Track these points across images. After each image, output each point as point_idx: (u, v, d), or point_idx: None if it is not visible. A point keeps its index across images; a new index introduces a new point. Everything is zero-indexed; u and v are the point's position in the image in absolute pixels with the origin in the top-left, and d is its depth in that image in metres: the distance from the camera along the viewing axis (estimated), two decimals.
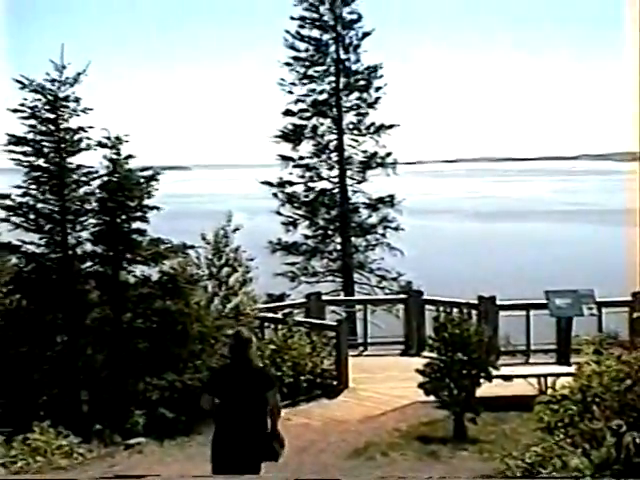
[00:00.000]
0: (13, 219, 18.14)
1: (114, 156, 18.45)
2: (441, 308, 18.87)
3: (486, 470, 7.59)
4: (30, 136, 18.04)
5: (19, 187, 18.13)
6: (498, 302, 20.28)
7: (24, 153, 18.05)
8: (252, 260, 21.00)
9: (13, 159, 18.10)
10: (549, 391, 7.09)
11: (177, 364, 17.48)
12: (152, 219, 18.71)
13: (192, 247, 19.42)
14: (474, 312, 19.75)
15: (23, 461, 13.56)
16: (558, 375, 14.44)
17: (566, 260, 52.08)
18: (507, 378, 15.69)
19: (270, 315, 20.06)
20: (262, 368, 11.63)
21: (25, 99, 17.86)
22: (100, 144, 18.41)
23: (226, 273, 20.37)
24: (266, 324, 19.57)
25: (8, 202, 18.09)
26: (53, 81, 17.84)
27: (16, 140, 18.02)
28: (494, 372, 14.61)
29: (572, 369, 9.38)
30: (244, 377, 9.73)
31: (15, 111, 17.92)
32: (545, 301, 19.50)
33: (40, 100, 17.86)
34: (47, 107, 17.90)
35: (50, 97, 17.83)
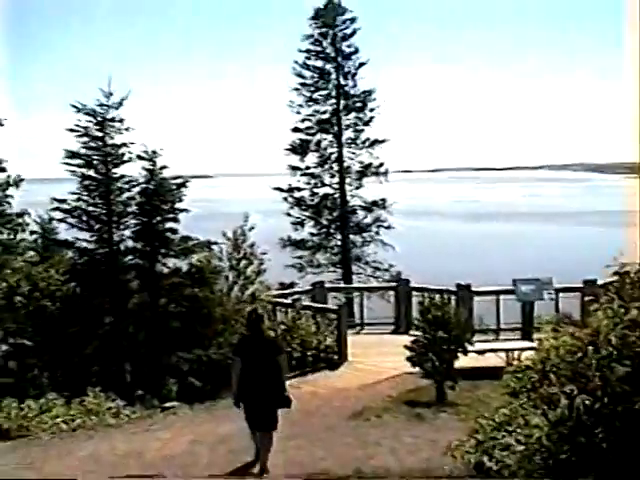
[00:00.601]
0: (69, 220, 18.34)
1: (151, 167, 18.59)
2: (425, 294, 18.97)
3: (463, 428, 7.69)
4: (83, 151, 18.21)
5: (74, 193, 18.29)
6: (473, 289, 20.28)
7: (77, 165, 18.23)
8: (265, 254, 21.02)
9: (69, 170, 18.27)
10: (515, 362, 7.16)
11: (203, 341, 17.57)
12: (182, 220, 18.83)
13: (215, 243, 19.52)
14: (453, 297, 19.74)
15: (80, 419, 13.70)
16: (522, 349, 14.39)
17: (531, 253, 52.07)
18: (480, 352, 15.71)
19: (281, 300, 20.06)
20: (273, 338, 11.72)
21: (79, 120, 18.05)
22: (139, 157, 18.56)
23: (244, 265, 20.40)
24: (278, 308, 19.57)
25: (65, 206, 18.27)
26: (101, 105, 18.01)
27: (71, 155, 18.20)
28: (469, 347, 14.60)
29: (534, 344, 9.42)
30: (259, 345, 10.30)
31: (71, 131, 18.10)
32: (512, 287, 19.53)
33: (91, 121, 18.02)
34: (97, 127, 18.08)
35: (99, 118, 18.00)
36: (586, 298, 15.74)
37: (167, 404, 15.43)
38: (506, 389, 7.04)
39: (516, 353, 15.36)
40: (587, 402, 5.59)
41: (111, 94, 18.10)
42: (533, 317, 19.20)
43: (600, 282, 16.51)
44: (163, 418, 14.35)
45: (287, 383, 10.71)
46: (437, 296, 17.90)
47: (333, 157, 34.56)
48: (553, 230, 76.91)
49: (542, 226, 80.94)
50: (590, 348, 5.85)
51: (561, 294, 19.73)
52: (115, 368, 17.05)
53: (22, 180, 16.14)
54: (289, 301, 19.67)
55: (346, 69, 34.37)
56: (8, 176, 16.01)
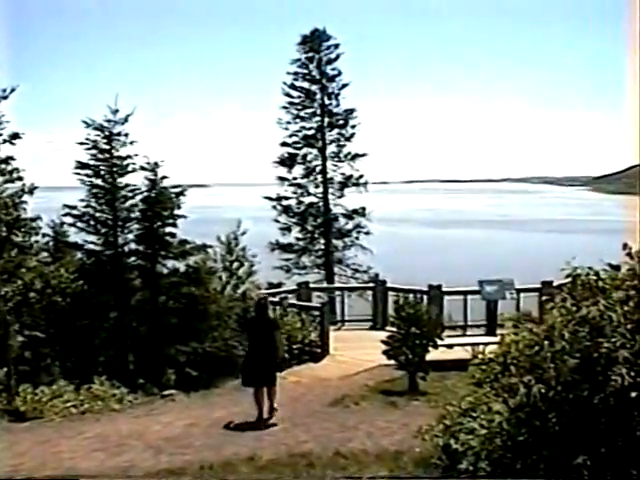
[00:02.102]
0: (78, 224, 18.37)
1: (152, 177, 18.62)
2: (400, 294, 19.04)
3: (432, 414, 7.75)
4: (91, 162, 18.21)
5: (83, 200, 18.32)
6: (443, 289, 20.39)
7: (87, 175, 18.25)
8: (255, 256, 21.11)
9: (79, 179, 18.28)
10: (480, 355, 7.24)
11: (199, 335, 17.60)
12: (181, 225, 18.85)
13: (210, 246, 19.58)
14: (425, 297, 19.86)
15: (88, 404, 13.72)
16: (487, 344, 14.45)
17: (494, 256, 52.35)
18: (449, 346, 15.78)
19: (270, 299, 20.09)
20: (273, 319, 13.34)
21: (89, 134, 18.08)
22: (142, 168, 18.59)
23: (236, 266, 20.50)
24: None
25: (75, 212, 18.29)
26: (109, 121, 18.04)
27: (81, 165, 18.22)
28: (439, 342, 14.69)
29: (497, 339, 9.49)
30: (262, 323, 12.21)
31: (81, 144, 18.12)
32: (478, 288, 19.64)
33: (99, 135, 18.04)
34: (104, 140, 18.09)
35: (107, 133, 18.02)
36: (543, 297, 15.87)
37: (166, 392, 15.44)
38: (471, 379, 7.08)
39: (481, 347, 15.43)
40: (542, 390, 5.67)
41: (117, 110, 18.14)
42: (496, 315, 19.34)
43: (556, 283, 16.64)
44: (162, 404, 14.37)
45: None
46: (411, 295, 18.02)
47: (318, 169, 34.67)
48: (510, 236, 77.47)
49: (502, 232, 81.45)
50: (546, 342, 5.93)
51: (522, 294, 19.87)
52: (119, 358, 17.06)
53: (36, 188, 16.08)
54: (277, 299, 19.71)
55: (330, 90, 34.49)
56: (23, 184, 15.95)
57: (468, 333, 19.50)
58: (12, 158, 15.91)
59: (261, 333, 12.06)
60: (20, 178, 15.95)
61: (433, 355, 14.62)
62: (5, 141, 15.73)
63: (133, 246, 18.65)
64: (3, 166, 15.83)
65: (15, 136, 15.74)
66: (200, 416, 12.39)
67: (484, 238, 75.21)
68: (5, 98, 15.61)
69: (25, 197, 15.98)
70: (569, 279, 6.21)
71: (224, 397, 14.67)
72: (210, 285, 18.65)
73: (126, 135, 18.27)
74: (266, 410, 11.91)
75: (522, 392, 5.85)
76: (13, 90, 15.63)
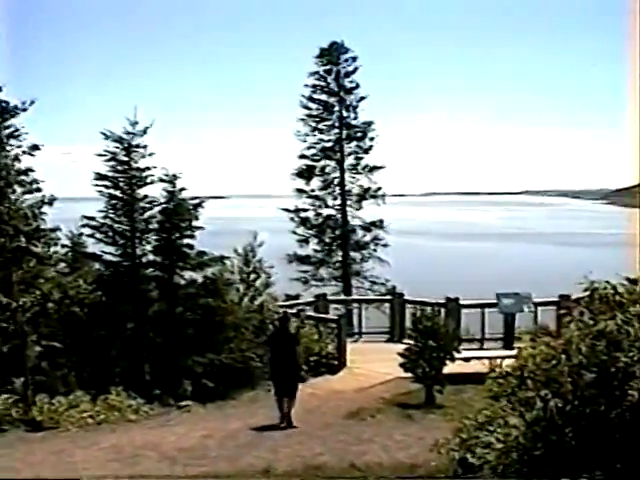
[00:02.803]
0: (97, 235, 18.41)
1: (171, 189, 18.65)
2: (417, 306, 18.99)
3: (449, 428, 7.72)
4: (110, 174, 18.30)
5: (101, 211, 18.36)
6: (461, 302, 20.30)
7: (105, 186, 18.31)
8: (272, 268, 21.06)
9: (98, 191, 18.37)
10: (497, 369, 7.20)
11: (216, 346, 17.56)
12: (198, 236, 18.88)
13: (227, 258, 19.54)
14: (442, 309, 19.77)
15: (104, 414, 13.76)
16: (504, 357, 14.37)
17: (509, 269, 52.11)
18: (466, 359, 15.69)
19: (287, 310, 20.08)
20: (294, 333, 13.99)
21: (108, 146, 18.19)
22: (161, 179, 18.63)
23: (253, 278, 20.43)
24: None
25: (93, 223, 18.36)
26: (128, 133, 18.13)
27: (100, 177, 18.29)
28: (456, 355, 14.66)
29: (514, 352, 9.43)
30: (284, 338, 13.20)
31: (100, 155, 18.23)
32: (495, 301, 19.54)
33: (118, 147, 18.14)
34: (123, 152, 18.18)
35: (125, 145, 18.12)
36: (561, 311, 15.76)
37: (182, 403, 15.50)
38: (488, 393, 7.07)
39: (498, 360, 15.30)
40: (559, 405, 5.64)
41: (136, 123, 18.23)
42: (514, 328, 19.23)
43: (574, 297, 16.52)
44: (179, 415, 14.43)
45: None
46: (428, 308, 17.92)
47: (336, 181, 34.60)
48: (527, 248, 77.18)
49: (517, 245, 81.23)
50: (563, 356, 5.90)
51: (540, 307, 19.75)
52: (136, 369, 17.05)
53: (55, 199, 16.20)
54: (294, 311, 19.68)
55: (348, 102, 34.50)
56: (43, 196, 16.07)
57: (485, 346, 19.41)
58: (31, 170, 16.04)
59: (283, 346, 13.03)
60: (39, 189, 16.07)
61: (450, 368, 14.56)
62: (25, 152, 15.87)
63: (151, 257, 18.67)
64: (23, 177, 15.97)
65: (35, 148, 15.89)
66: (216, 427, 12.41)
67: (500, 250, 74.95)
68: (24, 110, 15.77)
69: (44, 208, 16.08)
70: (587, 293, 6.17)
71: (240, 408, 14.69)
72: (227, 296, 18.64)
73: (145, 147, 18.32)
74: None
75: (539, 406, 5.82)
76: (32, 103, 15.79)
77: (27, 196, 16.10)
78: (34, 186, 16.06)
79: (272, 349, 13.49)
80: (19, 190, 16.03)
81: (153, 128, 18.42)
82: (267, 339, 14.82)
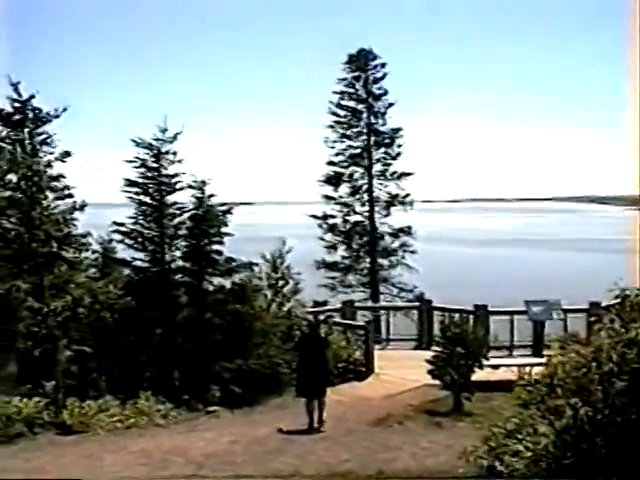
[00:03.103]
0: (126, 241, 18.57)
1: (200, 195, 18.76)
2: (446, 313, 18.86)
3: (477, 435, 7.66)
4: (140, 180, 18.45)
5: (131, 217, 18.52)
6: (489, 309, 20.15)
7: (135, 193, 18.47)
8: (300, 274, 21.05)
9: (128, 197, 18.53)
10: (526, 377, 7.14)
11: (244, 352, 17.59)
12: (227, 242, 18.95)
13: (256, 264, 19.59)
14: (471, 316, 19.63)
15: (133, 419, 13.85)
16: (533, 365, 14.21)
17: (535, 275, 51.73)
18: (495, 367, 15.55)
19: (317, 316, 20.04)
20: (324, 337, 14.58)
21: (138, 152, 18.35)
22: (190, 186, 18.75)
23: (281, 284, 20.43)
24: None
25: (123, 228, 18.52)
26: (157, 140, 18.28)
27: (130, 183, 18.46)
28: (485, 362, 14.54)
29: (543, 360, 9.35)
30: (314, 342, 13.52)
31: (130, 162, 18.40)
32: (524, 308, 19.37)
33: (148, 154, 18.29)
34: (153, 159, 18.32)
35: (155, 151, 18.26)
36: (591, 318, 15.59)
37: (210, 408, 15.54)
38: (517, 400, 7.02)
39: (527, 368, 15.16)
40: (589, 413, 5.58)
41: (166, 130, 18.37)
42: (543, 335, 19.03)
43: (604, 304, 16.33)
44: (206, 420, 14.46)
45: None
46: (456, 315, 17.78)
47: (364, 188, 34.64)
48: (554, 256, 76.42)
49: (543, 252, 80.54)
50: (593, 364, 5.84)
51: (569, 314, 19.55)
52: (164, 374, 17.12)
53: (86, 205, 16.39)
54: (322, 317, 19.64)
55: (376, 109, 34.53)
56: (74, 201, 16.26)
57: (514, 354, 19.24)
58: (63, 176, 16.25)
59: (313, 350, 13.31)
60: (70, 195, 16.27)
61: (478, 375, 14.44)
62: (57, 159, 16.08)
63: (180, 263, 18.77)
64: (55, 183, 16.18)
65: (66, 154, 16.10)
66: (243, 433, 12.43)
67: (527, 256, 74.43)
68: (57, 117, 15.98)
69: (75, 214, 16.27)
70: (617, 300, 6.10)
71: (267, 415, 14.70)
72: (255, 302, 18.67)
73: (174, 153, 18.46)
74: (316, 420, 12.88)
75: (568, 414, 5.77)
76: (65, 110, 16.01)
77: (59, 202, 16.31)
78: (66, 192, 16.27)
79: (302, 353, 13.61)
80: (51, 196, 16.26)
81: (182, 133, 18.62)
82: (296, 343, 14.89)
